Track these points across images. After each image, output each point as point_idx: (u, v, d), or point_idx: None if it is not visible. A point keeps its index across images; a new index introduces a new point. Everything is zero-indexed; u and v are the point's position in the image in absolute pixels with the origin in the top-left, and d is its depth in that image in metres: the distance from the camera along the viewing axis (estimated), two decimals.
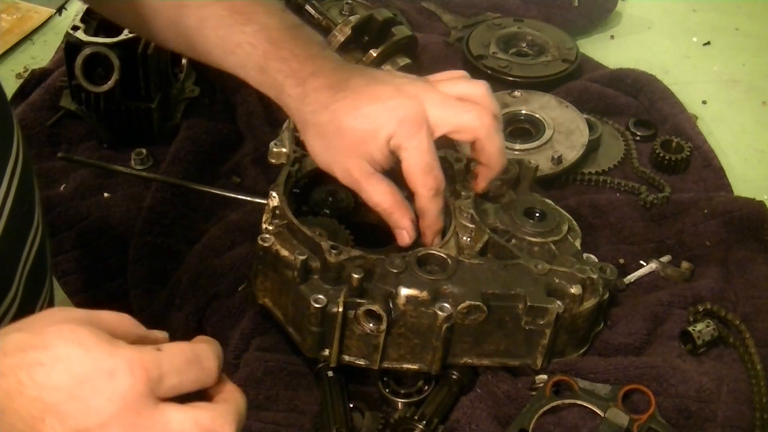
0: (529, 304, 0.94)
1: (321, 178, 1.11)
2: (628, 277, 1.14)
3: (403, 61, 1.37)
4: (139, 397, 0.63)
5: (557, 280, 0.97)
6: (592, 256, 1.04)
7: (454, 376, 0.98)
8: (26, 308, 0.91)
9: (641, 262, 1.17)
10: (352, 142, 0.96)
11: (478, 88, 0.99)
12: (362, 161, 0.97)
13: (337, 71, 0.98)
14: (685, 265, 1.15)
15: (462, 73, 1.04)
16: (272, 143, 1.10)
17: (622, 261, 1.17)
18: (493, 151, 0.99)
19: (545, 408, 0.96)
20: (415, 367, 0.96)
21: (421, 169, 0.96)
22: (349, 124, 0.96)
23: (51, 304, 1.00)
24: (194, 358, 0.68)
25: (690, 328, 1.04)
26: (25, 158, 0.91)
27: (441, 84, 0.99)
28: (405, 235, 1.00)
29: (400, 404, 0.98)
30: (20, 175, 0.90)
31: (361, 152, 0.97)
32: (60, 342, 0.64)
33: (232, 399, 0.70)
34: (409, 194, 1.00)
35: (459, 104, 0.96)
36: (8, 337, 0.64)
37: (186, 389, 0.67)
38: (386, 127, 0.95)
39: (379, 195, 0.98)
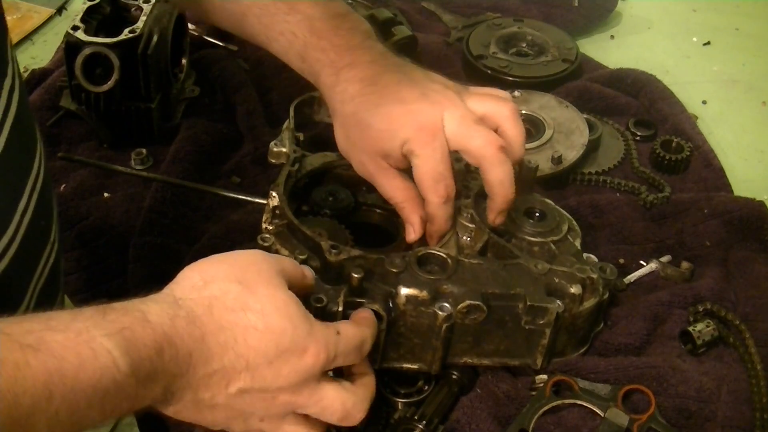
0: (529, 303, 0.93)
1: (321, 178, 1.11)
2: (628, 277, 1.14)
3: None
4: (313, 374, 0.77)
5: (557, 280, 0.97)
6: (592, 256, 1.04)
7: (454, 376, 0.98)
8: None
9: (641, 262, 1.17)
10: (370, 137, 0.99)
11: (503, 109, 0.99)
12: (378, 157, 0.99)
13: (373, 65, 1.00)
14: (685, 265, 1.15)
15: (501, 92, 1.04)
16: (272, 143, 1.10)
17: (622, 261, 1.17)
18: (493, 182, 0.98)
19: (545, 408, 0.96)
20: (415, 366, 0.96)
21: (432, 177, 0.97)
22: (369, 119, 0.98)
23: None
24: (360, 345, 0.82)
25: (690, 328, 1.04)
26: (46, 174, 0.92)
27: (471, 98, 0.99)
28: (411, 231, 1.02)
29: (400, 404, 0.97)
30: (40, 191, 0.90)
31: (377, 149, 0.99)
32: (274, 312, 0.75)
33: (369, 384, 0.84)
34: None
35: (473, 127, 0.96)
36: (227, 287, 0.75)
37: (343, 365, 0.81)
38: (403, 131, 0.96)
39: (392, 190, 1.01)
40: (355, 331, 0.82)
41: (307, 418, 0.80)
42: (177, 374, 0.71)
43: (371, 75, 0.99)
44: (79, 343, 0.64)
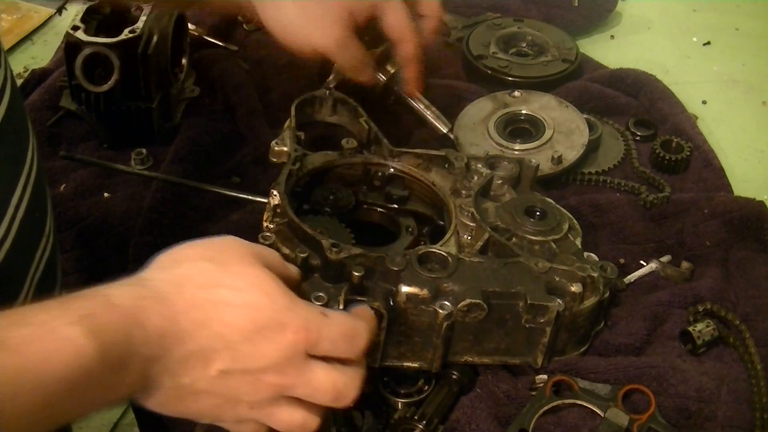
0: (529, 302, 0.94)
1: (322, 176, 1.11)
2: (628, 277, 1.14)
3: None
4: (296, 352, 0.73)
5: (558, 279, 0.97)
6: (593, 255, 1.04)
7: (454, 376, 0.98)
8: None
9: (641, 262, 1.17)
10: (337, 5, 1.08)
11: None
12: (345, 23, 1.09)
13: None
14: (685, 265, 1.15)
15: None
16: (273, 142, 1.10)
17: (622, 261, 1.17)
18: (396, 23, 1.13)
19: (545, 408, 0.96)
20: (415, 365, 0.96)
21: (408, 24, 1.12)
22: None
23: None
24: (350, 334, 0.78)
25: (690, 328, 1.04)
26: (39, 166, 0.92)
27: None
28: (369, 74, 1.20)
29: (400, 404, 0.97)
30: (34, 182, 0.90)
31: (345, 14, 1.09)
32: (249, 287, 0.72)
33: (361, 364, 0.80)
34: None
35: None
36: (197, 265, 0.73)
37: (332, 356, 0.76)
38: None
39: (359, 54, 1.14)
40: (345, 319, 0.79)
41: (300, 402, 0.77)
42: (151, 357, 0.68)
43: None
44: (44, 334, 0.62)
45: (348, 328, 0.78)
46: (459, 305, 0.92)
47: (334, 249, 0.92)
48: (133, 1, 1.23)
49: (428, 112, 1.35)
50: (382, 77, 1.25)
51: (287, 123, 1.14)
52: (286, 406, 0.77)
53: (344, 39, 1.10)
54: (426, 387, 0.98)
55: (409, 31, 1.15)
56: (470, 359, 0.98)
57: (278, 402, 0.76)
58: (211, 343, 0.71)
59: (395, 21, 1.14)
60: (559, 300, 0.95)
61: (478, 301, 0.92)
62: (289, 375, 0.74)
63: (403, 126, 1.35)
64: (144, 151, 1.30)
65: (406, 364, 0.96)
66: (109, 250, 1.18)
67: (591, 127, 1.33)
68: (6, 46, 1.56)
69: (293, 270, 0.84)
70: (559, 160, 1.26)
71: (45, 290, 0.95)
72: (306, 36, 1.09)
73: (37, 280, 0.93)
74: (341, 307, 0.87)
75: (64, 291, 1.13)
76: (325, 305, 0.85)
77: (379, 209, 1.12)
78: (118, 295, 0.69)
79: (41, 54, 1.56)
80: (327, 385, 0.76)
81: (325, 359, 0.76)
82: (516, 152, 1.28)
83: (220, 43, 1.51)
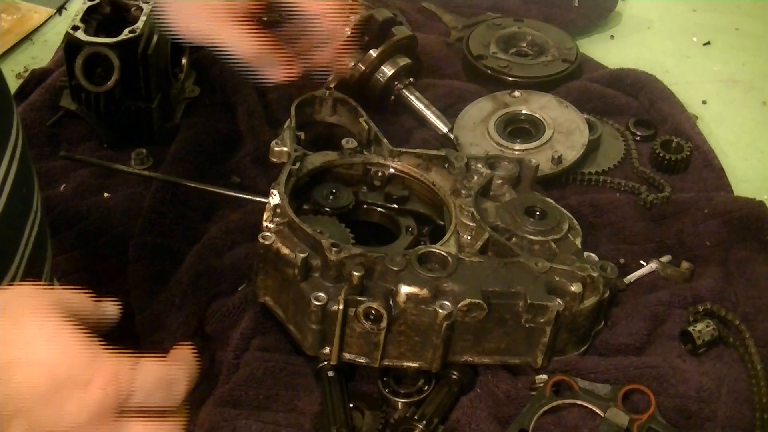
0: (529, 301, 0.94)
1: (322, 176, 1.11)
2: (628, 277, 1.14)
3: (403, 61, 1.37)
4: (106, 410, 0.64)
5: (557, 278, 0.97)
6: (593, 255, 1.04)
7: (454, 376, 0.98)
8: None
9: (641, 262, 1.17)
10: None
11: None
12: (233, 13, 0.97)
13: None
14: (685, 265, 1.15)
15: None
16: (274, 142, 1.10)
17: (622, 261, 1.17)
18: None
19: (545, 408, 0.96)
20: (415, 365, 0.96)
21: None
22: None
23: None
24: (165, 382, 0.68)
25: (690, 328, 1.04)
26: (23, 142, 0.91)
27: None
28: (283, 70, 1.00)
29: (400, 404, 0.97)
30: (19, 158, 0.89)
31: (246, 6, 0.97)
32: (43, 342, 0.63)
33: (182, 414, 0.70)
34: None
35: None
36: None
37: (149, 407, 0.67)
38: None
39: (252, 43, 0.98)
40: (160, 367, 0.68)
41: None
42: None
43: None
44: None
45: (164, 374, 0.68)
46: (459, 305, 0.92)
47: (334, 249, 0.92)
48: None
49: (428, 112, 1.36)
50: (354, 74, 1.21)
51: (287, 123, 1.14)
52: None
53: (238, 34, 0.98)
54: (426, 387, 0.98)
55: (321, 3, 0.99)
56: (470, 359, 0.98)
57: None
58: (3, 410, 0.62)
59: None
60: (559, 300, 0.95)
61: (478, 300, 0.92)
62: None
63: (403, 126, 1.35)
64: (144, 151, 1.30)
65: (405, 363, 0.96)
66: (109, 250, 1.18)
67: (591, 127, 1.33)
68: (6, 46, 1.57)
69: (109, 308, 0.73)
70: (559, 160, 1.26)
71: (35, 268, 0.94)
72: (198, 31, 0.99)
73: (27, 258, 0.92)
74: (340, 307, 0.87)
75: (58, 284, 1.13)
76: (325, 305, 0.85)
77: (379, 209, 1.12)
78: None
79: (41, 54, 1.56)
80: None
81: (141, 412, 0.67)
82: (516, 152, 1.28)
83: None
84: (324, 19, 0.99)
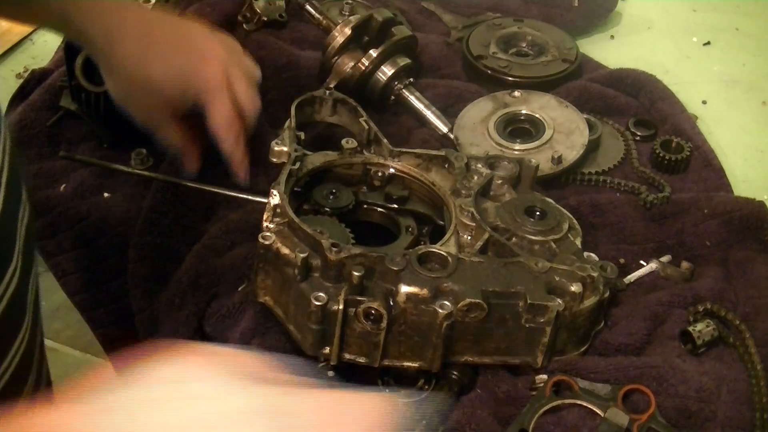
0: (529, 302, 0.94)
1: (322, 176, 1.11)
2: (628, 277, 1.14)
3: (403, 61, 1.37)
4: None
5: (557, 278, 0.97)
6: (593, 255, 1.04)
7: (454, 376, 0.98)
8: (23, 284, 0.92)
9: (641, 262, 1.17)
10: (158, 92, 1.09)
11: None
12: (165, 108, 1.11)
13: (147, 21, 1.10)
14: (685, 265, 1.15)
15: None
16: (273, 142, 1.10)
17: (622, 261, 1.17)
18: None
19: (545, 408, 0.95)
20: (415, 365, 0.96)
21: (226, 123, 1.11)
22: (153, 74, 1.07)
23: (36, 281, 1.00)
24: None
25: (690, 328, 1.04)
26: (10, 133, 0.91)
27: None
28: (190, 163, 1.19)
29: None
30: (10, 149, 0.90)
31: (166, 102, 1.10)
32: None
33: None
34: None
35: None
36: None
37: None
38: (192, 85, 1.08)
39: (175, 137, 1.15)
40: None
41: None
42: None
43: (148, 31, 1.07)
44: None
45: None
46: (459, 305, 0.92)
47: (334, 249, 0.92)
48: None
49: (428, 112, 1.36)
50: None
51: (287, 123, 1.14)
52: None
53: (162, 123, 1.13)
54: (426, 387, 0.98)
55: (231, 125, 1.12)
56: (470, 359, 0.98)
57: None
58: None
59: (219, 114, 1.11)
60: (559, 300, 0.95)
61: (478, 300, 0.92)
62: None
63: (403, 126, 1.35)
64: (144, 151, 1.29)
65: (405, 363, 0.96)
66: (109, 250, 1.18)
67: (591, 127, 1.33)
68: (6, 46, 1.57)
69: None
70: (559, 160, 1.26)
71: (28, 256, 0.94)
72: (129, 108, 1.12)
73: (22, 246, 0.92)
74: (340, 307, 0.87)
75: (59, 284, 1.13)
76: (325, 305, 0.85)
77: (379, 209, 1.12)
78: None
79: (41, 54, 1.56)
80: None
81: None
82: (516, 152, 1.28)
83: None
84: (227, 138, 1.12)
